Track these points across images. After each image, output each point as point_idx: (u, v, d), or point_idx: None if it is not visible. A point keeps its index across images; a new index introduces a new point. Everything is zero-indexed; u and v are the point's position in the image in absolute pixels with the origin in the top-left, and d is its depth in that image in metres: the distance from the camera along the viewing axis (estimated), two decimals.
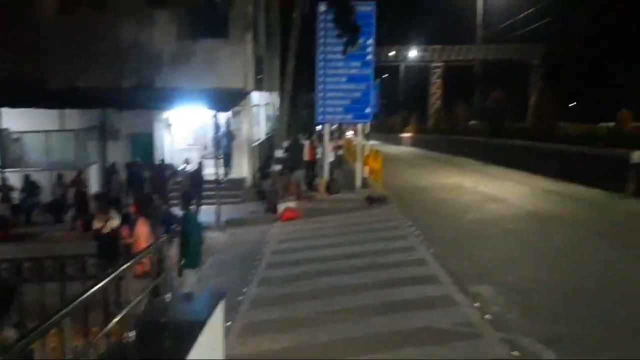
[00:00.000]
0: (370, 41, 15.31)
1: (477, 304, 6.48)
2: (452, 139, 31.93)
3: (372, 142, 24.74)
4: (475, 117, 31.81)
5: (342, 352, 5.49)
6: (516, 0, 35.49)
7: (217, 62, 16.55)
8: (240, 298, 7.34)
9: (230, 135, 16.92)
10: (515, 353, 5.16)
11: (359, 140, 17.31)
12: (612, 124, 17.42)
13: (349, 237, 10.70)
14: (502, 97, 24.70)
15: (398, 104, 53.51)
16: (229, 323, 6.10)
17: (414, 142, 41.81)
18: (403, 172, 22.04)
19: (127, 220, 9.15)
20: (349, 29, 12.75)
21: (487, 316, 6.09)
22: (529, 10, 32.43)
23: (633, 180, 13.88)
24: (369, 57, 15.52)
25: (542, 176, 18.06)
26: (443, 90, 46.42)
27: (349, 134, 29.22)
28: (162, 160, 15.35)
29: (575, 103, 41.44)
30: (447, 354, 5.26)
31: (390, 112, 58.27)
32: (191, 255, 7.08)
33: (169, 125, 17.62)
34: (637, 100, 22.74)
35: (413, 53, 45.92)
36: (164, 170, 15.36)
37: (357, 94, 15.61)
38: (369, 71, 15.58)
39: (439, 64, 45.67)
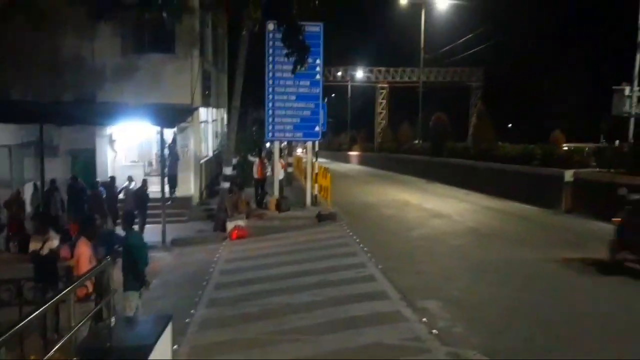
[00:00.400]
0: (319, 61, 15.56)
1: (424, 319, 6.63)
2: (397, 158, 32.79)
3: (320, 160, 25.01)
4: (420, 137, 32.86)
5: None
6: (459, 25, 37.30)
7: (163, 78, 16.26)
8: (188, 320, 7.15)
9: (175, 156, 16.54)
10: None
11: (309, 158, 17.44)
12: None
13: (300, 255, 10.70)
14: (444, 117, 25.71)
15: (346, 123, 54.46)
16: (175, 347, 5.91)
17: (362, 161, 42.60)
18: (352, 189, 22.35)
19: (67, 240, 8.72)
20: (298, 49, 12.89)
21: (434, 331, 6.24)
22: (469, 36, 34.08)
23: (566, 198, 14.76)
24: (318, 76, 15.76)
25: (482, 194, 18.87)
26: (389, 110, 47.66)
27: (299, 151, 29.38)
28: (113, 178, 14.71)
29: (511, 125, 43.72)
30: None
31: (339, 131, 59.23)
32: (135, 277, 6.83)
33: (112, 142, 17.06)
34: (566, 123, 24.29)
35: (359, 74, 46.98)
36: (113, 188, 14.76)
37: (307, 113, 15.77)
38: (318, 90, 15.80)
39: (384, 85, 46.95)
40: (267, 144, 22.54)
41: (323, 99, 16.46)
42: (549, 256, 10.01)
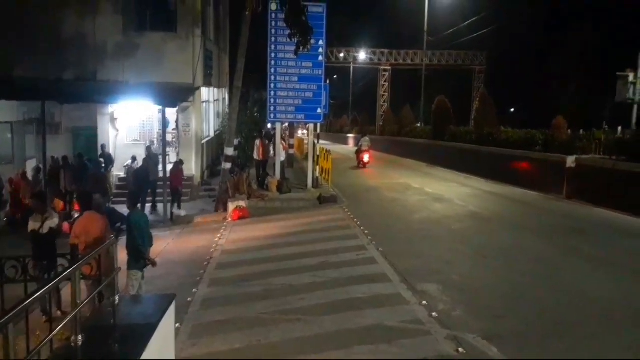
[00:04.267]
0: (322, 42, 15.42)
1: (424, 302, 6.70)
2: (399, 141, 32.70)
3: (322, 142, 25.04)
4: (421, 120, 32.72)
5: (294, 352, 5.52)
6: (463, 8, 36.89)
7: (165, 56, 16.15)
8: (190, 299, 7.22)
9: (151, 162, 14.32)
10: (461, 350, 5.38)
11: (311, 140, 17.40)
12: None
13: (301, 237, 10.75)
14: (445, 101, 25.55)
15: (348, 105, 54.26)
16: (178, 325, 6.00)
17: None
18: (352, 172, 22.36)
19: (67, 218, 8.72)
20: (300, 30, 12.72)
21: (434, 314, 6.31)
22: (472, 19, 33.74)
23: (567, 184, 14.76)
24: (320, 58, 15.64)
25: (484, 178, 18.88)
26: (391, 93, 47.41)
27: (300, 133, 29.33)
28: (103, 149, 14.63)
29: (513, 109, 43.50)
30: (397, 352, 5.41)
31: (341, 113, 59.01)
32: (138, 255, 6.87)
33: (114, 120, 17.00)
34: (568, 109, 24.20)
35: (362, 55, 46.58)
36: (107, 164, 14.82)
37: (309, 95, 15.69)
38: (320, 72, 15.70)
39: (387, 67, 46.62)
40: (269, 125, 22.48)
41: (325, 81, 16.36)
42: (549, 241, 10.07)
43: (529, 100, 39.90)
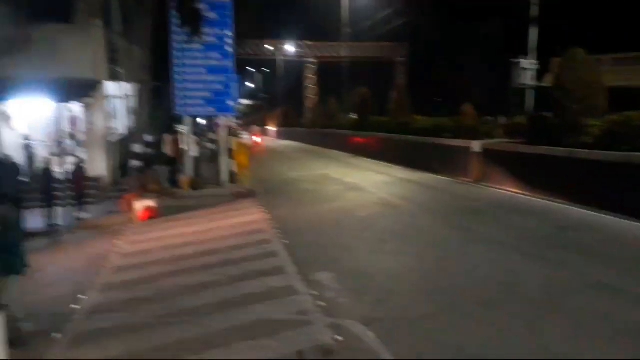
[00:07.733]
0: (228, 32, 15.03)
1: (314, 292, 6.69)
2: (326, 133, 32.93)
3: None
4: (346, 111, 33.11)
5: (173, 355, 5.33)
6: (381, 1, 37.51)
7: (63, 50, 15.10)
8: (76, 306, 6.81)
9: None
10: (338, 337, 5.41)
11: (224, 134, 17.00)
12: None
13: (206, 235, 10.47)
14: (366, 92, 26.02)
15: (279, 98, 54.02)
16: (56, 335, 5.70)
17: (291, 136, 42.53)
18: (275, 165, 22.22)
19: None
20: (190, 17, 12.36)
21: (320, 303, 6.31)
22: (387, 12, 34.31)
23: (475, 168, 15.40)
24: (228, 48, 15.25)
25: (401, 166, 19.37)
26: (319, 85, 47.54)
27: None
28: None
29: (441, 99, 44.81)
30: (276, 345, 5.35)
31: (273, 106, 58.65)
32: (13, 260, 6.29)
33: (7, 118, 15.77)
34: (477, 96, 25.29)
35: (289, 48, 46.34)
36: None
37: (218, 86, 15.30)
38: (229, 63, 15.34)
39: (314, 60, 46.70)
40: (198, 121, 21.78)
41: (237, 72, 16.04)
42: (448, 224, 10.43)
43: (450, 90, 41.14)
